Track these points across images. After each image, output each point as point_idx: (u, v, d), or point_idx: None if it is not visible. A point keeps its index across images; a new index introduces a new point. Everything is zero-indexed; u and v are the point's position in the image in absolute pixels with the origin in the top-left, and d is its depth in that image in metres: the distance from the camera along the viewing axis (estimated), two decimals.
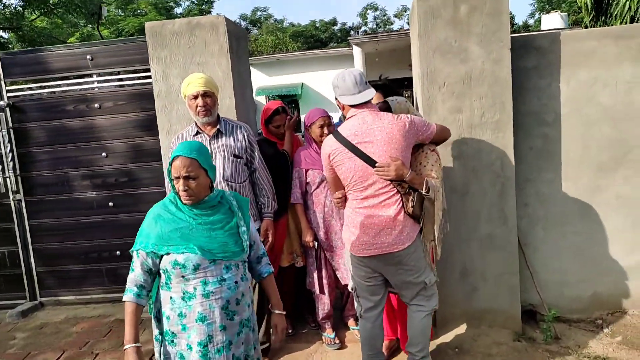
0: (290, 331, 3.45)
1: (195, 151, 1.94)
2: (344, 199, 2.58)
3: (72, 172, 4.22)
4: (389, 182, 2.39)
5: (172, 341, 1.97)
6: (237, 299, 1.99)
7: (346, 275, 3.08)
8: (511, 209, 3.16)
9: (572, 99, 3.28)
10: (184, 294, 1.94)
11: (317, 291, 3.25)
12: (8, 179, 4.23)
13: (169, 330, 1.97)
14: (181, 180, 1.91)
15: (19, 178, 4.26)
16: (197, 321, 1.92)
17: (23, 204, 4.30)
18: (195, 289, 1.93)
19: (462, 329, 3.26)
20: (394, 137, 2.38)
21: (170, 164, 1.94)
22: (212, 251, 1.94)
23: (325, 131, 3.06)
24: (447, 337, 3.18)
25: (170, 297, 1.96)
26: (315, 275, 3.24)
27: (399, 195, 2.41)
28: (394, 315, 3.07)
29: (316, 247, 3.17)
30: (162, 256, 1.93)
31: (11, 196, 4.28)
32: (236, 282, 2.00)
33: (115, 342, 3.51)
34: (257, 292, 3.01)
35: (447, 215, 2.78)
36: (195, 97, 2.77)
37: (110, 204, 4.18)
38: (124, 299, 1.97)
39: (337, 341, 3.24)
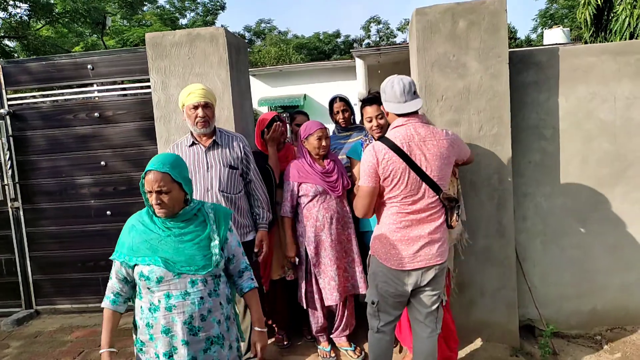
0: (285, 343, 3.43)
1: (167, 165, 1.93)
2: None
3: (70, 181, 4.23)
4: (437, 196, 2.33)
5: (142, 349, 1.99)
6: (203, 314, 1.94)
7: (330, 296, 3.05)
8: (509, 222, 3.14)
9: (571, 114, 3.28)
10: (150, 305, 1.94)
11: (305, 306, 3.18)
12: (6, 187, 4.24)
13: (139, 338, 1.99)
14: (154, 195, 1.90)
15: (17, 186, 4.26)
16: (162, 333, 1.92)
17: (21, 212, 4.30)
18: (159, 301, 1.92)
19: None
20: (445, 152, 2.34)
21: (143, 178, 1.93)
22: (177, 264, 1.91)
23: (324, 143, 3.05)
24: None
25: (141, 307, 1.98)
26: (304, 289, 3.17)
27: (444, 209, 2.38)
28: (408, 324, 2.99)
29: (297, 262, 3.14)
30: (134, 266, 1.95)
31: (9, 204, 4.28)
32: (202, 298, 1.94)
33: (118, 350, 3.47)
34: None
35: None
36: (196, 108, 2.77)
37: (108, 212, 4.18)
38: (102, 305, 2.02)
39: (332, 354, 3.20)
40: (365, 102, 3.07)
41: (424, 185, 2.31)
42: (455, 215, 2.37)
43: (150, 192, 1.91)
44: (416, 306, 2.50)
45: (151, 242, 1.94)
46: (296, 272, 3.27)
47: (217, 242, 2.00)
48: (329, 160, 3.14)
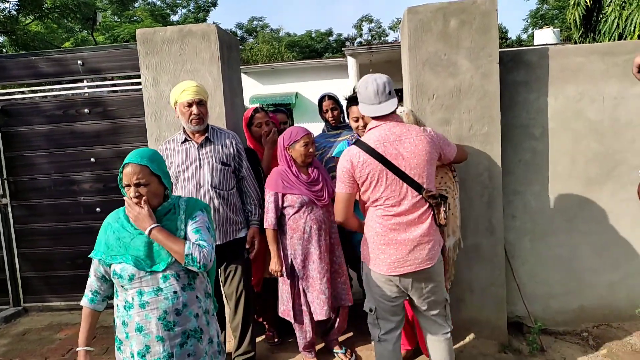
0: (276, 340, 3.44)
1: (146, 158, 1.93)
2: None
3: (60, 177, 4.20)
4: (420, 195, 2.28)
5: (119, 347, 1.99)
6: (177, 309, 1.92)
7: (319, 310, 2.92)
8: (498, 220, 3.17)
9: (560, 114, 3.32)
10: (125, 303, 1.94)
11: (293, 320, 3.01)
12: None
13: (117, 337, 1.99)
14: (132, 188, 1.90)
15: (5, 182, 4.22)
16: (136, 331, 1.91)
17: (9, 208, 4.26)
18: (133, 298, 1.92)
19: None
20: (423, 149, 2.29)
21: (121, 172, 1.93)
22: (148, 262, 1.91)
23: (310, 150, 2.90)
24: None
25: (117, 305, 1.98)
26: (291, 303, 2.99)
27: (431, 208, 2.32)
28: (410, 325, 2.99)
29: (283, 275, 2.97)
30: (110, 265, 1.94)
31: None
32: (175, 292, 1.92)
33: (99, 350, 3.46)
34: (243, 302, 2.99)
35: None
36: (190, 105, 2.78)
37: (98, 209, 4.16)
38: (80, 303, 2.03)
39: None
40: (350, 102, 3.07)
41: (404, 185, 2.26)
42: (442, 212, 2.32)
43: (129, 185, 1.91)
44: (423, 312, 2.47)
45: (123, 240, 1.94)
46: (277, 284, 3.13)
47: (182, 233, 1.97)
48: (312, 167, 2.99)
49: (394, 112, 2.34)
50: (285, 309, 3.04)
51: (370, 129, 2.36)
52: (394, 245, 2.29)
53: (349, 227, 2.51)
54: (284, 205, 2.91)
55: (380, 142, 2.27)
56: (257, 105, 3.46)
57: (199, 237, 1.96)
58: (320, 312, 2.93)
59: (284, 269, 2.96)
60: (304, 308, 3.00)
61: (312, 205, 2.91)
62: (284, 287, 3.04)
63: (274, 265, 2.94)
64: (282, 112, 3.91)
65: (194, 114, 2.78)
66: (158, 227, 1.91)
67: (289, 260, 2.96)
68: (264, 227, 2.95)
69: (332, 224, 3.00)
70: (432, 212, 2.33)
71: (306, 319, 3.01)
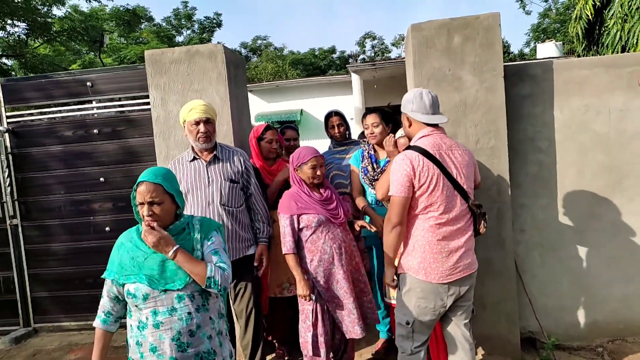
0: (286, 358, 3.41)
1: (160, 176, 1.94)
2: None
3: (69, 197, 4.23)
4: (467, 204, 2.37)
5: None
6: (191, 330, 1.92)
7: (352, 329, 2.80)
8: (508, 233, 3.16)
9: (565, 126, 3.33)
10: (139, 322, 1.93)
11: (311, 353, 2.82)
12: (5, 204, 4.23)
13: (131, 357, 1.98)
14: (145, 206, 1.91)
15: (16, 203, 4.26)
16: (150, 351, 1.90)
17: (20, 229, 4.29)
18: (147, 318, 1.91)
19: None
20: (470, 162, 2.42)
21: (135, 190, 1.94)
22: (161, 281, 1.90)
23: (318, 172, 2.82)
24: None
25: (131, 325, 1.97)
26: (310, 334, 2.81)
27: (473, 217, 2.42)
28: (437, 342, 2.91)
29: (313, 299, 2.81)
30: (124, 285, 1.94)
31: (8, 221, 4.27)
32: (189, 313, 1.91)
33: None
34: (254, 320, 2.98)
35: None
36: (197, 123, 2.81)
37: (107, 229, 4.18)
38: (93, 324, 2.02)
39: None
40: (366, 112, 3.26)
41: (456, 192, 2.32)
42: (482, 222, 2.42)
43: (142, 203, 1.91)
44: (454, 320, 2.47)
45: (137, 260, 1.94)
46: (294, 313, 3.02)
47: (199, 253, 1.99)
48: (324, 188, 2.92)
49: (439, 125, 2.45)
50: (304, 341, 2.85)
51: (422, 137, 2.39)
52: (446, 253, 2.32)
53: (394, 238, 2.39)
54: (300, 227, 2.80)
55: (436, 149, 2.32)
56: (267, 122, 3.45)
57: (219, 260, 1.97)
58: (352, 330, 2.80)
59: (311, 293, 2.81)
60: (322, 338, 2.82)
61: (329, 224, 2.81)
62: (301, 317, 2.88)
63: (301, 290, 2.77)
64: (292, 128, 3.89)
65: (201, 132, 2.81)
66: (180, 250, 1.92)
67: (311, 284, 2.81)
68: (284, 253, 2.80)
69: (351, 242, 2.91)
70: (472, 221, 2.42)
71: (322, 350, 2.83)
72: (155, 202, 1.91)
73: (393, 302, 2.88)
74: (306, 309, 2.83)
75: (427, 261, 2.34)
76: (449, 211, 2.31)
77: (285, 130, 3.80)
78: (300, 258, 2.82)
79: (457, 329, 2.48)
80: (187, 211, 2.80)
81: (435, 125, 2.41)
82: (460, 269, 2.34)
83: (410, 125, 2.46)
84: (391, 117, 3.29)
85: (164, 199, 1.93)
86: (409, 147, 2.37)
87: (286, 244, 2.78)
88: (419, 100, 2.40)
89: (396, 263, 2.49)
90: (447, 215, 2.31)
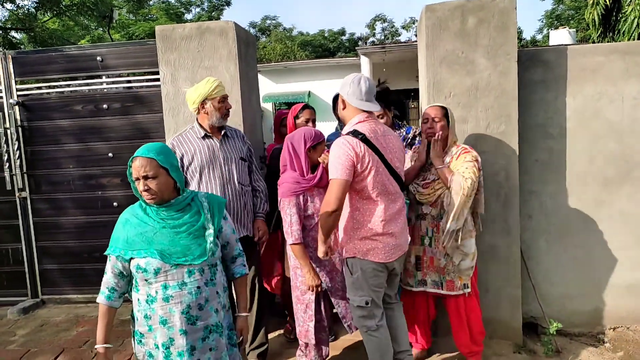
0: (292, 337, 3.44)
1: (153, 151, 1.95)
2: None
3: (78, 171, 4.26)
4: (400, 186, 2.51)
5: (141, 341, 2.02)
6: (200, 304, 1.96)
7: (351, 321, 2.82)
8: (515, 220, 3.15)
9: (578, 113, 3.29)
10: (147, 296, 1.96)
11: (314, 341, 2.79)
12: (14, 177, 4.27)
13: (138, 330, 2.02)
14: (141, 181, 1.92)
15: (25, 176, 4.29)
16: (160, 324, 1.94)
17: (28, 202, 4.33)
18: (157, 292, 1.94)
19: None
20: (401, 148, 2.56)
21: (130, 166, 1.96)
22: (173, 255, 1.93)
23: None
24: (447, 348, 3.16)
25: (138, 300, 2.00)
26: (312, 324, 2.76)
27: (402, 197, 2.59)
28: (429, 323, 3.02)
29: (324, 288, 2.75)
30: (130, 260, 1.96)
31: (17, 193, 4.31)
32: (198, 287, 1.96)
33: (115, 342, 3.51)
34: (257, 296, 3.02)
35: (476, 217, 2.85)
36: (223, 100, 2.83)
37: (115, 203, 4.21)
38: (97, 301, 2.05)
39: None
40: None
41: (391, 176, 2.45)
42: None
43: (138, 178, 1.93)
44: (387, 292, 2.65)
45: (146, 235, 1.95)
46: (290, 303, 2.95)
47: (211, 230, 2.02)
48: (319, 170, 2.77)
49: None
50: (302, 330, 2.82)
51: (358, 122, 2.44)
52: (388, 235, 2.45)
53: (333, 221, 2.40)
54: (306, 213, 2.69)
55: (373, 135, 2.40)
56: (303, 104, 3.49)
57: (243, 261, 2.22)
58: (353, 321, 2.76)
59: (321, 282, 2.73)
60: (324, 327, 2.85)
61: None
62: (300, 306, 2.81)
63: (311, 281, 2.66)
64: (310, 108, 3.84)
65: (227, 109, 2.86)
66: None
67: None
68: (290, 243, 2.68)
69: None
70: (404, 201, 2.60)
71: (325, 338, 2.87)
72: (149, 176, 1.92)
73: (406, 287, 2.94)
74: (307, 298, 2.76)
75: (373, 243, 2.44)
76: (388, 194, 2.44)
77: (304, 111, 3.71)
78: (306, 246, 2.71)
79: (391, 299, 2.69)
80: (202, 189, 2.80)
81: (371, 113, 2.48)
82: (400, 247, 2.53)
83: (344, 108, 2.50)
84: (392, 101, 3.25)
85: (159, 173, 1.94)
86: (350, 132, 2.40)
87: (293, 233, 2.64)
88: (356, 85, 2.43)
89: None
90: (387, 197, 2.43)
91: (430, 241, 2.81)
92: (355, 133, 2.38)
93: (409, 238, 2.67)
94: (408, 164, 2.91)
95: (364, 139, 2.35)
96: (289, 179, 2.70)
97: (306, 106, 3.42)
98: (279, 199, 2.76)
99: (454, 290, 2.80)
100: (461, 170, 2.64)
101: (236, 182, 2.86)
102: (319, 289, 2.70)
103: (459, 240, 2.69)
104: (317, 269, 2.73)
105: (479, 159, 2.73)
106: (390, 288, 2.66)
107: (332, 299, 2.83)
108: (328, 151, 2.60)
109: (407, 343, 2.67)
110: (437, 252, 2.79)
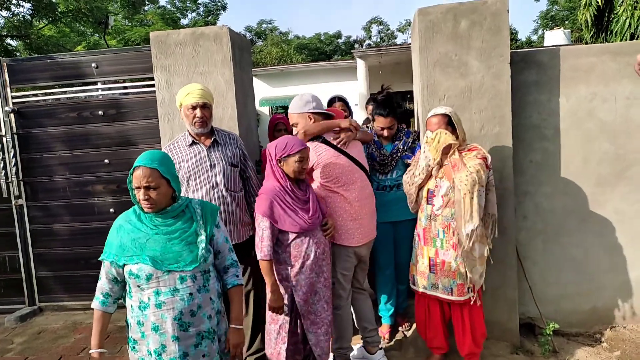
0: None
1: (156, 161, 1.95)
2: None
3: (74, 178, 4.26)
4: (367, 177, 2.92)
5: (134, 347, 2.02)
6: (192, 310, 1.97)
7: (326, 351, 2.68)
8: (510, 220, 3.17)
9: (571, 114, 3.31)
10: (140, 303, 1.97)
11: None
12: (10, 184, 4.26)
13: (131, 337, 2.02)
14: (142, 190, 1.93)
15: (21, 183, 4.29)
16: (152, 330, 1.95)
17: (25, 209, 4.33)
18: (149, 298, 1.95)
19: None
20: (361, 149, 3.02)
21: (132, 174, 1.96)
22: (165, 262, 1.94)
23: (305, 166, 2.58)
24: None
25: (131, 306, 2.01)
26: (285, 346, 2.57)
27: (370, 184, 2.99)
28: (463, 327, 2.89)
29: (286, 311, 2.58)
30: (123, 266, 1.97)
31: (13, 201, 4.30)
32: (191, 294, 1.96)
33: (113, 348, 3.50)
34: (253, 301, 3.02)
35: (487, 218, 2.84)
36: (194, 108, 2.78)
37: (112, 210, 4.21)
38: (92, 306, 2.06)
39: None
40: (380, 110, 3.27)
41: (359, 169, 2.85)
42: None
43: (139, 187, 1.94)
44: (358, 276, 2.99)
45: (139, 241, 1.96)
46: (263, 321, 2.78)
47: (203, 237, 2.03)
48: (304, 184, 2.68)
49: None
50: (273, 351, 2.61)
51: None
52: (359, 221, 2.82)
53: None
54: (282, 229, 2.53)
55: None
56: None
57: (236, 272, 2.20)
58: (323, 356, 2.65)
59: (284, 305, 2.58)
60: (298, 350, 2.64)
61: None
62: (272, 327, 2.62)
63: (274, 302, 2.53)
64: (341, 100, 3.83)
65: (197, 117, 2.78)
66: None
67: (290, 292, 2.57)
68: (258, 258, 2.53)
69: (329, 244, 2.75)
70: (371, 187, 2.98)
71: None
72: (151, 186, 1.93)
73: (420, 289, 2.92)
74: (282, 318, 2.59)
75: (345, 227, 2.79)
76: (354, 183, 2.81)
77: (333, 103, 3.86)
78: (281, 262, 2.57)
79: (360, 284, 3.03)
80: (190, 195, 2.80)
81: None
82: (370, 232, 2.90)
83: (313, 121, 2.84)
84: (397, 106, 3.28)
85: (160, 184, 1.95)
86: (316, 139, 2.80)
87: (263, 248, 2.50)
88: (317, 100, 2.89)
89: None
90: (354, 187, 2.80)
91: (442, 243, 2.80)
92: (320, 139, 2.82)
93: (374, 227, 2.96)
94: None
95: (324, 141, 2.79)
96: (270, 193, 2.56)
97: (339, 99, 3.72)
98: (254, 212, 2.62)
99: (463, 295, 2.79)
100: (468, 165, 2.69)
101: (222, 188, 2.83)
102: (279, 312, 2.56)
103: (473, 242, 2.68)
104: (292, 289, 2.56)
105: (489, 157, 2.77)
106: (360, 275, 3.01)
107: (304, 323, 2.61)
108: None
109: (374, 322, 3.05)
110: (448, 254, 2.79)
